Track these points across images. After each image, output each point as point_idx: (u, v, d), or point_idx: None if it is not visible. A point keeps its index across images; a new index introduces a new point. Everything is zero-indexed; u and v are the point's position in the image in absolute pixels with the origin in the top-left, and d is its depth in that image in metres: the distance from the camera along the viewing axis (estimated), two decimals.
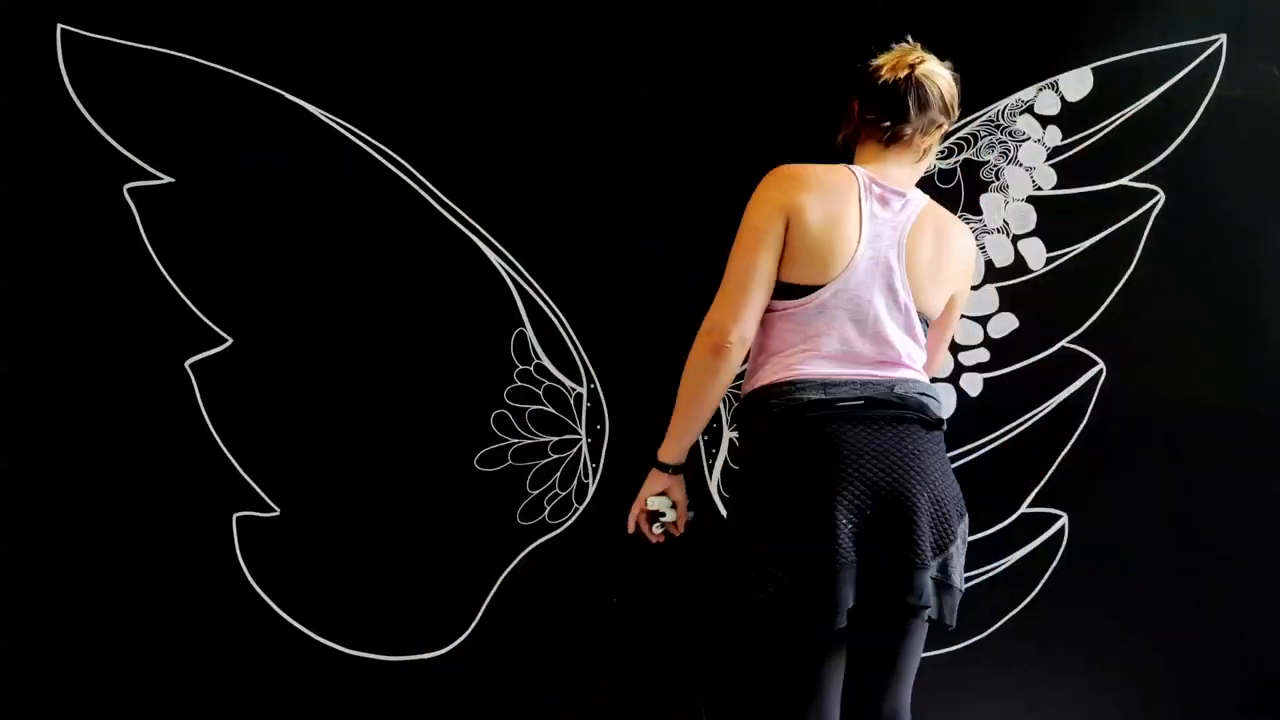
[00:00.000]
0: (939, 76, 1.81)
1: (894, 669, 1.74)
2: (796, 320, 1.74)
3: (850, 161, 1.84)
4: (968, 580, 2.23)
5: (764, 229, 1.73)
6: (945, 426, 1.76)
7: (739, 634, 1.74)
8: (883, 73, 1.80)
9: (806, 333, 1.73)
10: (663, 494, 1.87)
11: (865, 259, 1.72)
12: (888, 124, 1.79)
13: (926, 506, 1.64)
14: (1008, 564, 2.24)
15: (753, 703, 1.75)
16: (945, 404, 1.91)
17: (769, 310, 1.76)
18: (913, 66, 1.79)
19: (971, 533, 2.23)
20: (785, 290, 1.74)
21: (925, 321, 1.80)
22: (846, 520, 1.61)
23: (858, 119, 1.84)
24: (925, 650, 2.23)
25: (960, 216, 2.21)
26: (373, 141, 2.17)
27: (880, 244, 1.73)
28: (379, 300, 2.19)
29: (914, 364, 1.77)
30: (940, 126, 1.82)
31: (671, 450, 1.83)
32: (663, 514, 1.87)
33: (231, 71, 2.15)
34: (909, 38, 1.86)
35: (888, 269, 1.73)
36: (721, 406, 2.22)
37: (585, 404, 2.22)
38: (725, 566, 1.69)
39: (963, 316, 2.22)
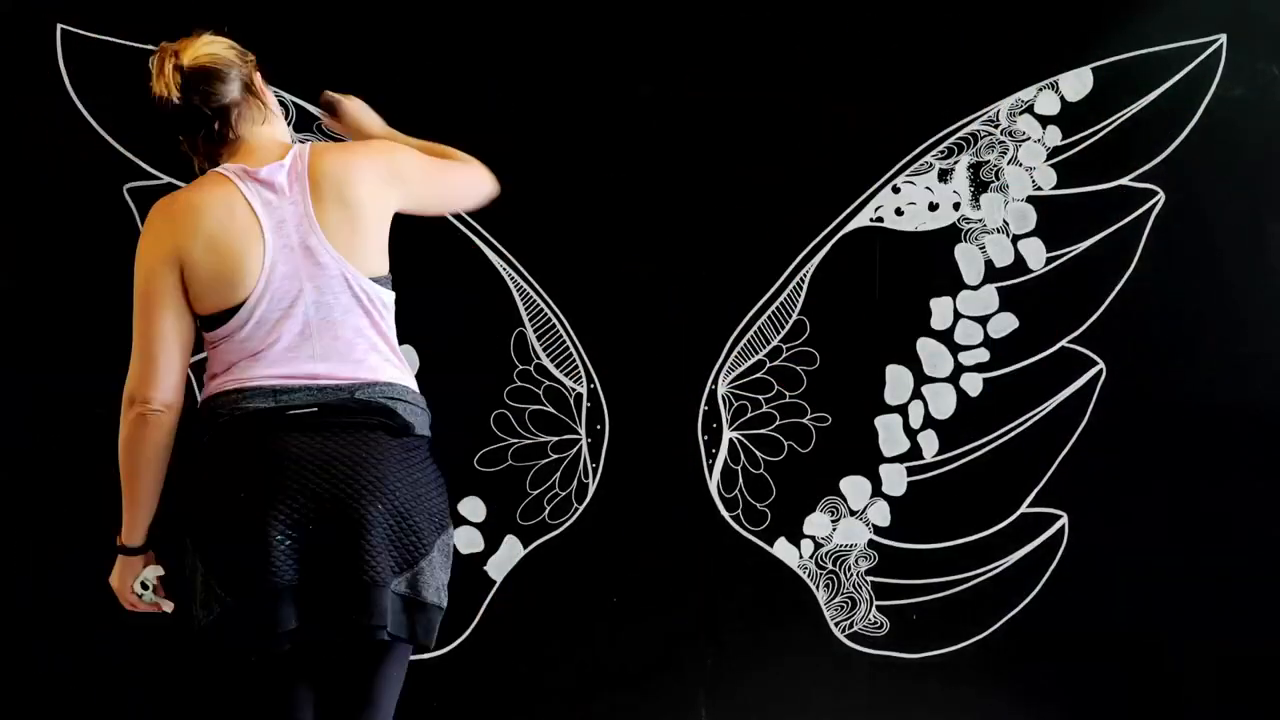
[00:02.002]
0: (203, 50, 1.62)
1: (367, 698, 1.61)
2: (235, 341, 1.57)
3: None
4: (968, 580, 2.23)
5: (154, 287, 1.57)
6: (426, 430, 1.61)
7: (202, 661, 1.66)
8: (164, 100, 1.59)
9: (249, 347, 1.56)
10: (142, 577, 1.70)
11: (280, 252, 1.55)
12: (212, 141, 1.62)
13: (382, 519, 1.50)
14: (1008, 564, 2.24)
15: None
16: (420, 416, 1.65)
17: (208, 345, 1.60)
18: (179, 70, 1.59)
19: (971, 533, 2.24)
20: (209, 322, 1.58)
21: (379, 280, 1.61)
22: (283, 536, 1.47)
23: (191, 150, 1.65)
24: (925, 650, 2.24)
25: (961, 217, 2.21)
26: None
27: (287, 229, 1.56)
28: None
29: (386, 363, 1.60)
30: (249, 81, 1.64)
31: (132, 533, 1.64)
32: (145, 593, 1.70)
33: None
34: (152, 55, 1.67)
35: (308, 251, 1.56)
36: (722, 405, 2.22)
37: (585, 404, 2.22)
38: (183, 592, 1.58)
39: (963, 316, 2.22)
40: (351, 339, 1.57)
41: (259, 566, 1.47)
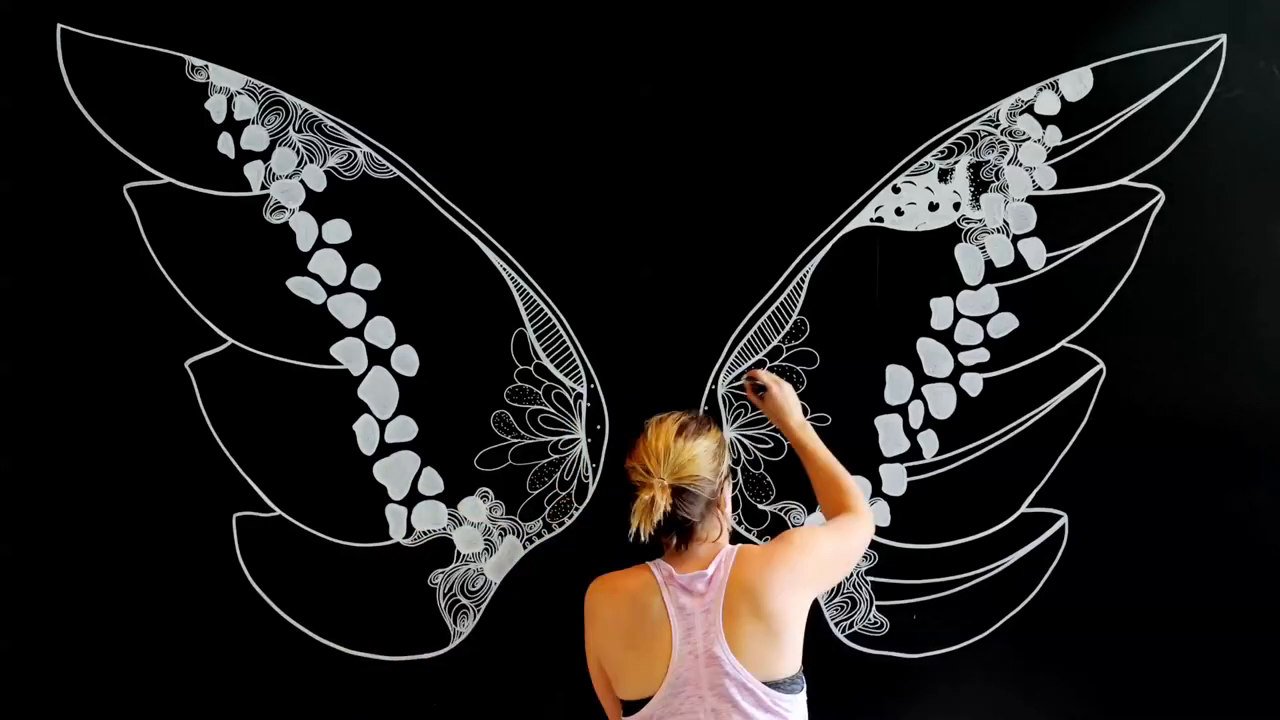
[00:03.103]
0: (692, 466, 1.77)
1: None
2: None
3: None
4: (968, 579, 2.24)
5: (592, 669, 1.84)
6: None
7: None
8: (644, 527, 1.75)
9: None
10: None
11: (685, 658, 1.69)
12: (674, 539, 1.79)
13: None
14: (1008, 564, 2.24)
15: None
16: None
17: None
18: (661, 502, 1.74)
19: (971, 533, 2.24)
20: (626, 706, 1.76)
21: (778, 685, 1.72)
22: None
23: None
24: (925, 650, 2.24)
25: (961, 217, 2.21)
26: (373, 141, 2.17)
27: (695, 637, 1.70)
28: (379, 300, 2.19)
29: None
30: (720, 488, 1.81)
31: None
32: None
33: (231, 71, 2.15)
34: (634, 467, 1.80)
35: (711, 659, 1.69)
36: (722, 405, 2.22)
37: (585, 404, 2.22)
38: None
39: (963, 316, 2.22)
40: None
41: None
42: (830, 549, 1.84)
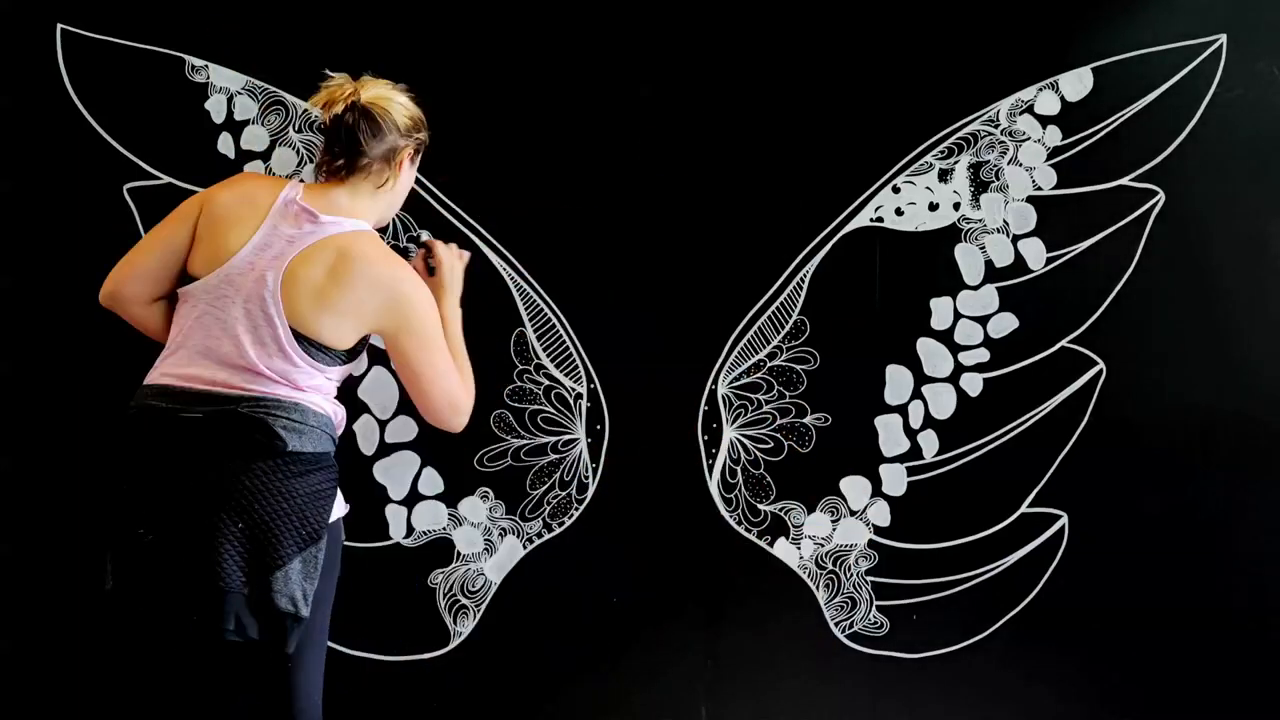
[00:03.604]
0: (388, 100, 1.79)
1: (260, 697, 1.77)
2: (180, 311, 1.75)
3: None
4: (968, 579, 2.23)
5: (182, 211, 1.80)
6: (314, 448, 1.72)
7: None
8: (319, 112, 1.79)
9: (180, 329, 1.73)
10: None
11: (242, 263, 1.70)
12: (339, 162, 1.78)
13: (235, 529, 1.63)
14: (1008, 564, 2.24)
15: None
16: (329, 427, 1.77)
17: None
18: (353, 100, 1.76)
19: (971, 533, 2.24)
20: (182, 278, 1.76)
21: (322, 348, 1.71)
22: (145, 531, 1.65)
23: (320, 155, 1.84)
24: (925, 650, 2.24)
25: (961, 217, 2.21)
26: None
27: (265, 255, 1.70)
28: None
29: (282, 381, 1.70)
30: (404, 148, 1.81)
31: None
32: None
33: (231, 71, 2.15)
34: (330, 74, 1.82)
35: (260, 280, 1.69)
36: (722, 405, 2.22)
37: (585, 404, 2.22)
38: None
39: (963, 316, 2.22)
40: (254, 357, 1.68)
41: (116, 565, 1.71)
42: (429, 331, 1.78)
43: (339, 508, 1.79)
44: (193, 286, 1.73)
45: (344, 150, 1.77)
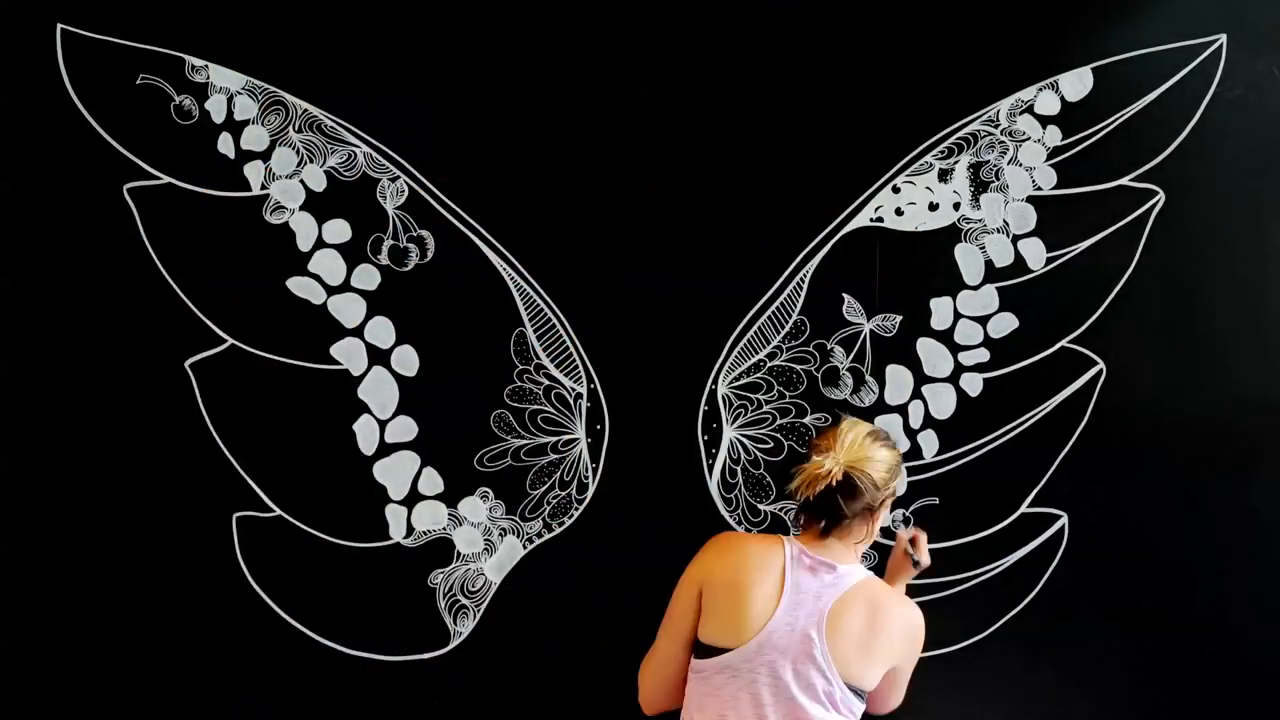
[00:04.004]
0: (869, 464, 1.82)
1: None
2: (709, 683, 1.77)
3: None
4: (968, 579, 2.24)
5: (680, 603, 1.85)
6: None
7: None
8: (802, 490, 1.82)
9: (719, 698, 1.76)
10: None
11: (782, 627, 1.74)
12: (822, 523, 1.83)
13: None
14: (1008, 564, 2.24)
15: None
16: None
17: (691, 670, 1.82)
18: (834, 472, 1.79)
19: (971, 533, 2.24)
20: (701, 650, 1.80)
21: (858, 692, 1.78)
22: None
23: (798, 512, 1.89)
24: (926, 650, 2.24)
25: (961, 217, 2.21)
26: (373, 141, 2.17)
27: (799, 613, 1.75)
28: (379, 299, 2.19)
29: None
30: (881, 503, 1.84)
31: None
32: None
33: (231, 71, 2.15)
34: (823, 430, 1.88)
35: (806, 639, 1.74)
36: (722, 405, 2.22)
37: (585, 404, 2.22)
38: None
39: (963, 316, 2.22)
40: (807, 711, 1.74)
41: None
42: (906, 673, 1.91)
43: None
44: (729, 658, 1.75)
45: (823, 514, 1.82)
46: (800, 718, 1.74)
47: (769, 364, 2.22)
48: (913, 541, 2.09)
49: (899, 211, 2.21)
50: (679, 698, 1.85)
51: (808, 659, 1.73)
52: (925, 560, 2.08)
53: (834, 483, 1.79)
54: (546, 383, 2.21)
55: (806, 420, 2.22)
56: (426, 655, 2.22)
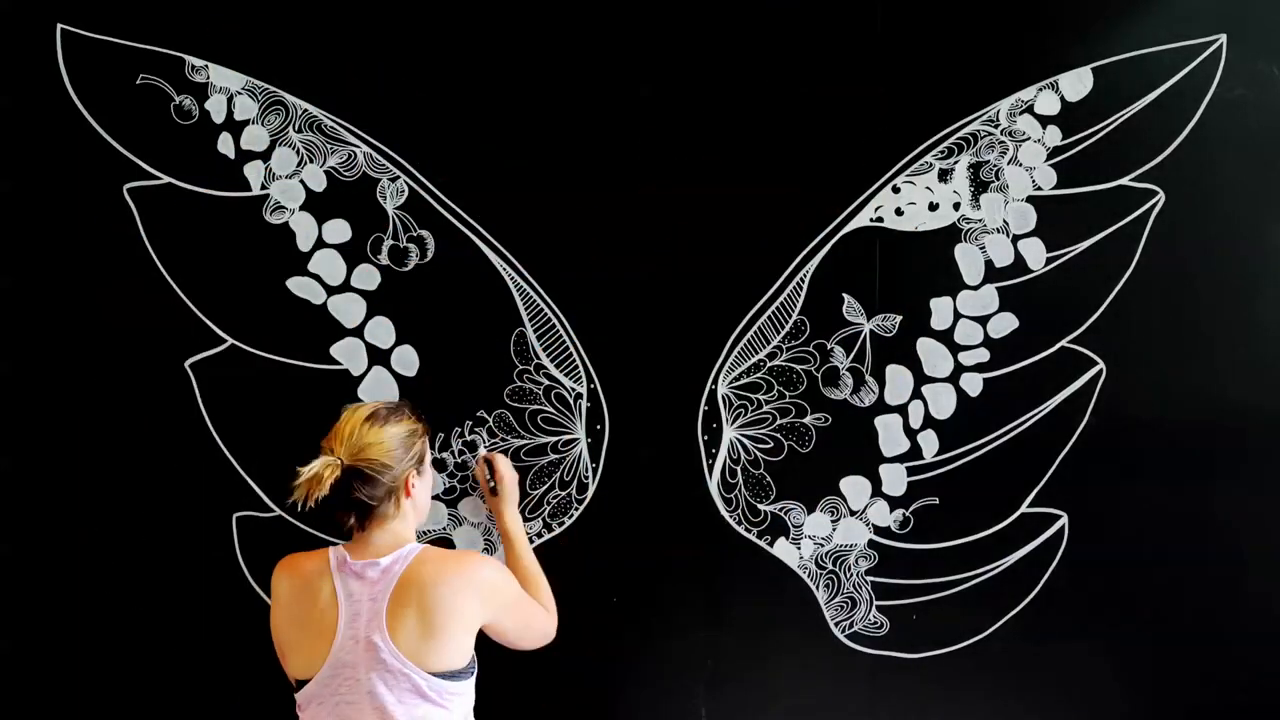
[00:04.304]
0: (372, 450, 1.77)
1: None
2: (306, 715, 1.76)
3: None
4: (968, 579, 2.24)
5: (275, 644, 1.83)
6: None
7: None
8: (307, 499, 1.75)
9: None
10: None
11: (346, 641, 1.72)
12: (352, 521, 1.80)
13: None
14: (1008, 564, 2.24)
15: None
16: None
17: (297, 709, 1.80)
18: (329, 474, 1.74)
19: (971, 533, 2.24)
20: (296, 687, 1.78)
21: (450, 674, 1.75)
22: None
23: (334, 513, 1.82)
24: (925, 650, 2.25)
25: (961, 217, 2.21)
26: (373, 141, 2.17)
27: (359, 624, 1.73)
28: (379, 299, 2.19)
29: None
30: (405, 476, 1.81)
31: None
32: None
33: (231, 71, 2.15)
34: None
35: (370, 646, 1.72)
36: (722, 405, 2.22)
37: (585, 404, 2.22)
38: None
39: (963, 316, 2.22)
40: (400, 716, 1.72)
41: None
42: (514, 594, 1.88)
43: None
44: (309, 689, 1.74)
45: (352, 512, 1.79)
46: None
47: (769, 364, 2.22)
48: (489, 465, 2.09)
49: (899, 211, 2.21)
50: None
51: (380, 664, 1.71)
52: (509, 479, 2.08)
53: (336, 481, 1.74)
54: (546, 383, 2.21)
55: (806, 420, 2.22)
56: None
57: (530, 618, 1.94)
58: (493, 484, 2.11)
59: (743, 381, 2.22)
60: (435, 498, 2.21)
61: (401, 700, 1.72)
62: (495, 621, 1.85)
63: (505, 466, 2.13)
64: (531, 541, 2.21)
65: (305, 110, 2.17)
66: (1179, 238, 2.20)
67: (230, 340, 2.17)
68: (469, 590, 1.78)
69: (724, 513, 2.23)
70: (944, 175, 2.21)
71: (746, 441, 2.23)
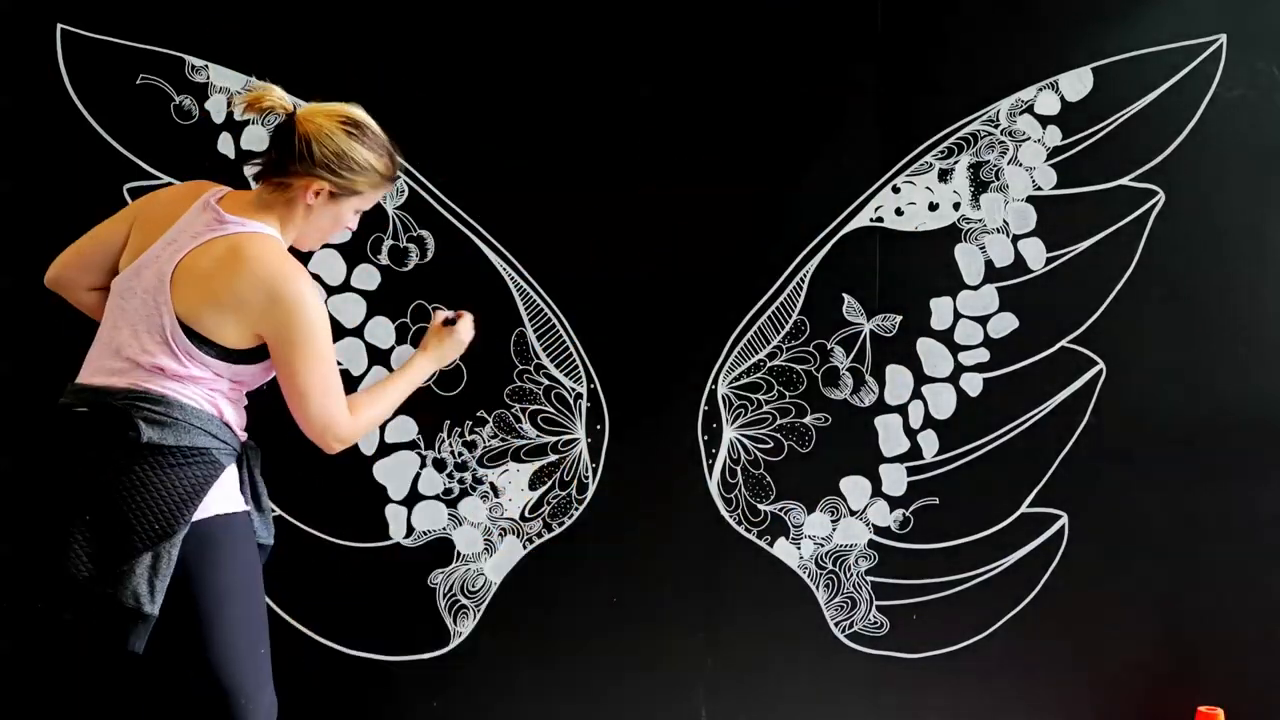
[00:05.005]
0: (325, 134, 1.69)
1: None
2: (110, 302, 1.75)
3: None
4: (968, 579, 2.24)
5: (124, 211, 1.82)
6: (182, 442, 1.66)
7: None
8: (240, 105, 1.75)
9: (102, 324, 1.76)
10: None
11: (151, 256, 1.69)
12: (263, 166, 1.73)
13: (85, 520, 1.65)
14: (1008, 564, 2.24)
15: None
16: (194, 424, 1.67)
17: None
18: (277, 106, 1.71)
19: (971, 533, 2.24)
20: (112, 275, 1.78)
21: (208, 343, 1.67)
22: (45, 527, 1.69)
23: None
24: (925, 650, 2.24)
25: (961, 217, 2.21)
26: None
27: (170, 249, 1.68)
28: (379, 299, 2.19)
29: (157, 373, 1.67)
30: (317, 180, 1.69)
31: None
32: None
33: (231, 71, 2.15)
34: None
35: (160, 271, 1.67)
36: (722, 405, 2.22)
37: (585, 404, 2.22)
38: None
39: (963, 316, 2.22)
40: (138, 349, 1.68)
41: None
42: (303, 340, 1.69)
43: (225, 503, 1.71)
44: (114, 280, 1.75)
45: (265, 154, 1.74)
46: (129, 347, 1.68)
47: (769, 364, 2.22)
48: (447, 320, 1.91)
49: (899, 211, 2.21)
50: (93, 306, 1.85)
51: (153, 290, 1.67)
52: (464, 332, 1.89)
53: (286, 123, 1.69)
54: (546, 383, 2.21)
55: (806, 420, 2.22)
56: (426, 655, 2.22)
57: (318, 383, 1.72)
58: (449, 319, 1.91)
59: (743, 381, 2.22)
60: (435, 498, 2.21)
61: (149, 331, 1.67)
62: (275, 344, 1.70)
63: (466, 329, 1.91)
64: (531, 541, 2.21)
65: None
66: (1179, 238, 2.20)
67: None
68: (267, 288, 1.66)
69: (724, 513, 2.23)
70: (944, 175, 2.21)
71: (746, 441, 2.23)
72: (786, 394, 2.22)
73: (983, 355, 2.23)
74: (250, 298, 1.66)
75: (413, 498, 2.21)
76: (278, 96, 1.72)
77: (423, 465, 2.21)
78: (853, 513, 2.24)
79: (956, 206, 2.21)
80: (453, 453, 2.21)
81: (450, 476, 2.21)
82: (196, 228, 1.69)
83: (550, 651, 2.23)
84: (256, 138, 2.16)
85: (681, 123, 2.20)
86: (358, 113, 1.75)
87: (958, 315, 2.22)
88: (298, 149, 1.68)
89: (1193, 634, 2.25)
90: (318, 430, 1.75)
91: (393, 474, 2.21)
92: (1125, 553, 2.24)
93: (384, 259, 2.19)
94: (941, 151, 2.21)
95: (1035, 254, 2.22)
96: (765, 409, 2.22)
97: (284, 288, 1.66)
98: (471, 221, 2.19)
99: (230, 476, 1.73)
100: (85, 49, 2.14)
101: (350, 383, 2.19)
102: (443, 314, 1.92)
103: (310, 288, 1.69)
